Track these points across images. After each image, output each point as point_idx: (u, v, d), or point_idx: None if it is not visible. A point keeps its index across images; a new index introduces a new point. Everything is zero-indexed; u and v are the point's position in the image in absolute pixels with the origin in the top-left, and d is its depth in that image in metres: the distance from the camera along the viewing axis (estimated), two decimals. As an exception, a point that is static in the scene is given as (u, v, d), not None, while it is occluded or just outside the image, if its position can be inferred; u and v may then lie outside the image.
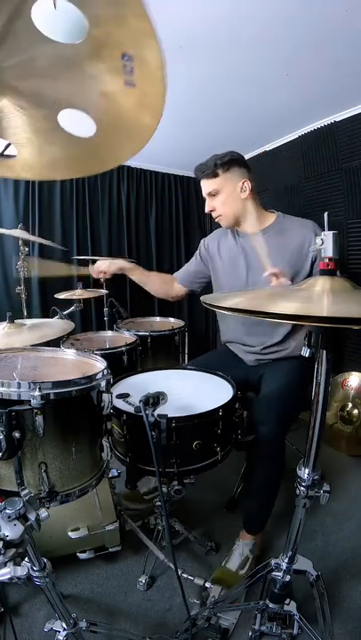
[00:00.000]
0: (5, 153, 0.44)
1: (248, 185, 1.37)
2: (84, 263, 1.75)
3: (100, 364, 0.91)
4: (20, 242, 2.01)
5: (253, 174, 1.42)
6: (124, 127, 0.40)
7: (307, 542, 1.37)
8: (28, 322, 1.34)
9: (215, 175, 1.37)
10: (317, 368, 0.76)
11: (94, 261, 1.69)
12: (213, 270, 1.58)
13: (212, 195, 1.41)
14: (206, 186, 1.41)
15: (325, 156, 2.25)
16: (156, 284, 1.72)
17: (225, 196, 1.39)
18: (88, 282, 2.77)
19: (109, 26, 0.34)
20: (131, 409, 0.98)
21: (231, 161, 1.36)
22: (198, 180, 1.43)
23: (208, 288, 1.68)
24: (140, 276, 1.69)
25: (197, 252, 1.65)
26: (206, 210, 1.45)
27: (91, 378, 0.78)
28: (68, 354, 1.04)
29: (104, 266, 1.62)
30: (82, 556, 1.21)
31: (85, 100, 0.38)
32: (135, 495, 1.50)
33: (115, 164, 0.42)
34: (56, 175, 0.45)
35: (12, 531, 0.64)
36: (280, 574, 0.92)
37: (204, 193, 1.43)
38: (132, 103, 0.38)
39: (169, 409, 0.92)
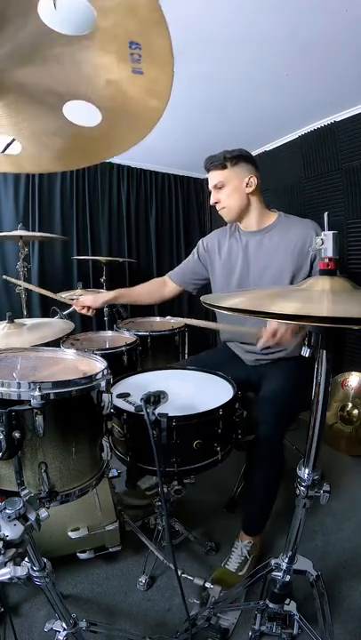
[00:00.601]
0: (9, 148, 0.43)
1: (254, 181, 1.39)
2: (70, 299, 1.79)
3: (100, 364, 0.91)
4: (21, 243, 2.02)
5: (259, 173, 1.43)
6: (131, 113, 0.39)
7: (307, 542, 1.37)
8: (28, 322, 1.34)
9: (223, 167, 1.38)
10: (317, 368, 0.76)
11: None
12: (212, 269, 1.58)
13: (218, 187, 1.42)
14: (213, 177, 1.42)
15: (325, 156, 2.25)
16: (144, 296, 1.74)
17: (230, 189, 1.40)
18: (88, 282, 2.79)
19: (119, 16, 0.33)
20: (131, 408, 0.98)
21: (240, 156, 1.38)
22: (207, 170, 1.44)
23: (206, 289, 1.68)
24: (127, 298, 1.72)
25: (195, 250, 1.65)
26: (211, 202, 1.46)
27: (91, 378, 0.78)
28: (68, 354, 1.04)
29: (89, 301, 1.64)
30: (82, 556, 1.21)
31: (91, 89, 0.37)
32: (136, 491, 1.50)
33: (121, 151, 0.41)
34: (61, 166, 0.44)
35: (12, 531, 0.64)
36: (280, 574, 0.92)
37: (211, 185, 1.44)
38: (139, 89, 0.37)
39: (169, 408, 0.92)
